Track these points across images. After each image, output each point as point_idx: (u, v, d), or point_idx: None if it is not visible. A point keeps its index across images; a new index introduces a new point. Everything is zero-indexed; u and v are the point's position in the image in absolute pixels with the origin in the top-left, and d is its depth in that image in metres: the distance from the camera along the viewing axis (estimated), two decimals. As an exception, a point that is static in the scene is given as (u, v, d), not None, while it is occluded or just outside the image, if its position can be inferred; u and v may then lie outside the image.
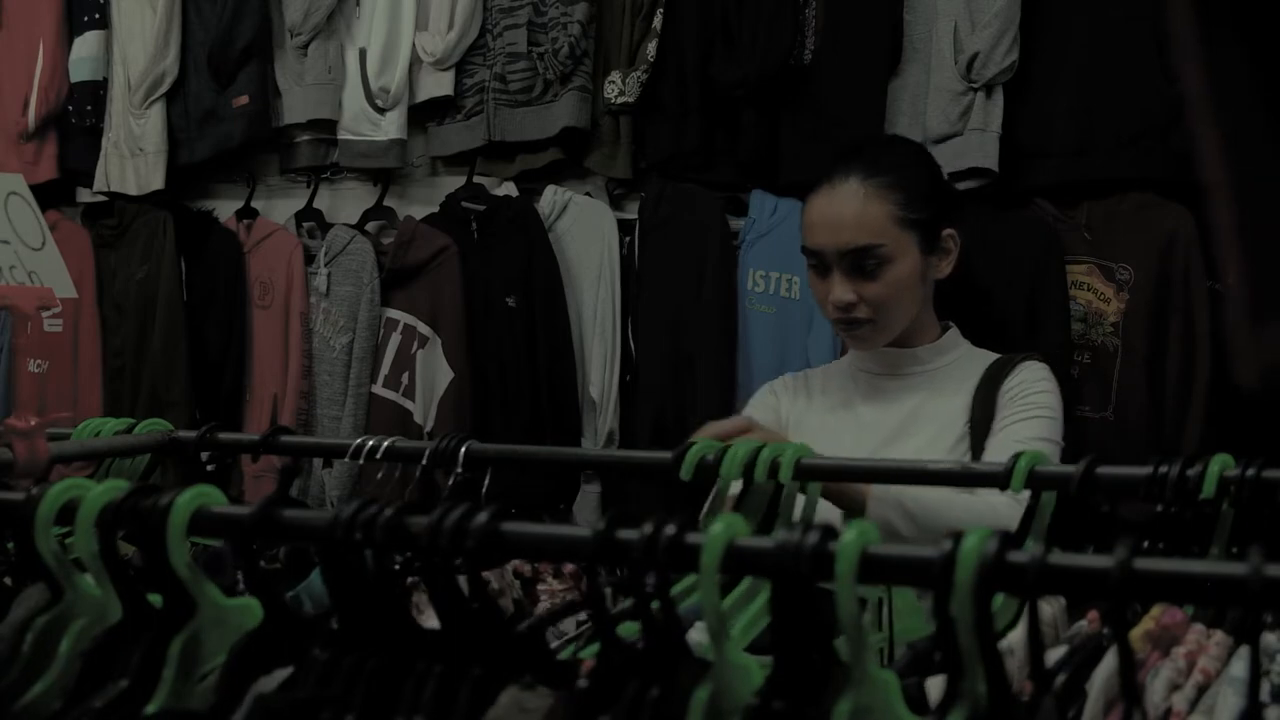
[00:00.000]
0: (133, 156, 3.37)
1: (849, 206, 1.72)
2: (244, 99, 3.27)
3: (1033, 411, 1.68)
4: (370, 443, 1.42)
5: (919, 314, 1.78)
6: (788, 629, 0.67)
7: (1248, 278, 0.50)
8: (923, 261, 1.75)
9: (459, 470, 1.35)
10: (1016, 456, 1.15)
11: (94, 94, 3.43)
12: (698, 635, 0.70)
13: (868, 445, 1.71)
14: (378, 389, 3.18)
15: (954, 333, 1.82)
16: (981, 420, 1.68)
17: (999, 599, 0.79)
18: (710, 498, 1.22)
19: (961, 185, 2.80)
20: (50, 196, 3.34)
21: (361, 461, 1.42)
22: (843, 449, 1.74)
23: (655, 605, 0.69)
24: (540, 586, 1.24)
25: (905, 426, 1.68)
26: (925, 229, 1.74)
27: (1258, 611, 0.71)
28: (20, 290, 1.46)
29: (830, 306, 1.74)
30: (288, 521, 0.76)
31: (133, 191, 3.37)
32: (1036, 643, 0.72)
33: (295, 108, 3.28)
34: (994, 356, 1.77)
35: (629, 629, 0.76)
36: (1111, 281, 2.67)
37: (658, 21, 2.91)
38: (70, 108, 3.46)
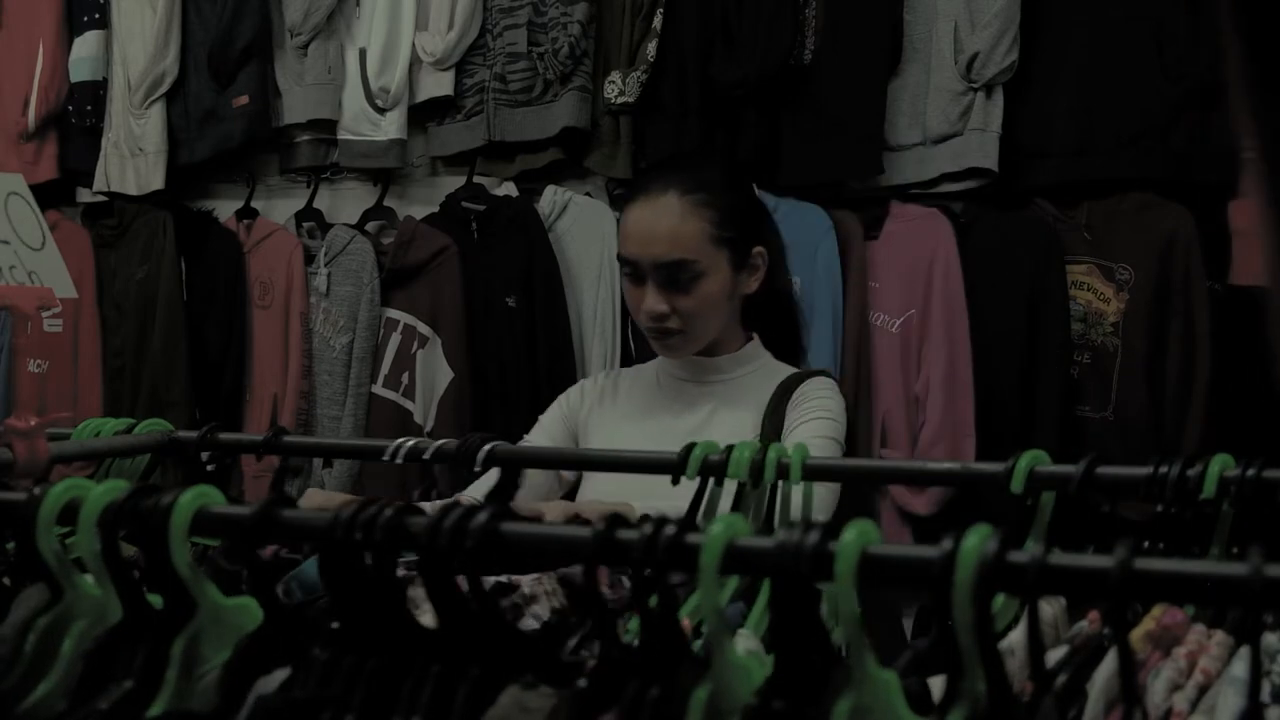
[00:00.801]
0: (133, 156, 3.38)
1: (665, 221, 1.78)
2: (244, 99, 3.27)
3: (815, 413, 1.76)
4: (409, 444, 1.41)
5: (726, 324, 1.86)
6: (788, 629, 0.67)
7: None
8: (733, 277, 1.81)
9: (477, 470, 1.34)
10: (1017, 457, 1.16)
11: (94, 94, 3.44)
12: (743, 643, 0.70)
13: (662, 440, 1.77)
14: (378, 389, 3.18)
15: (755, 344, 1.89)
16: (771, 433, 1.76)
17: (999, 599, 0.79)
18: (704, 500, 1.23)
19: (961, 185, 2.80)
20: (50, 196, 3.34)
21: (400, 461, 1.40)
22: (630, 442, 1.79)
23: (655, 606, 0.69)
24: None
25: (696, 432, 1.73)
26: (736, 246, 1.80)
27: (1258, 611, 0.70)
28: (20, 290, 1.46)
29: (643, 315, 1.81)
30: (288, 521, 0.76)
31: (133, 191, 3.37)
32: (1036, 643, 0.72)
33: (295, 108, 3.28)
34: (790, 371, 1.85)
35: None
36: (1111, 281, 2.67)
37: (658, 21, 2.92)
38: (70, 108, 3.46)
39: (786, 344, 1.92)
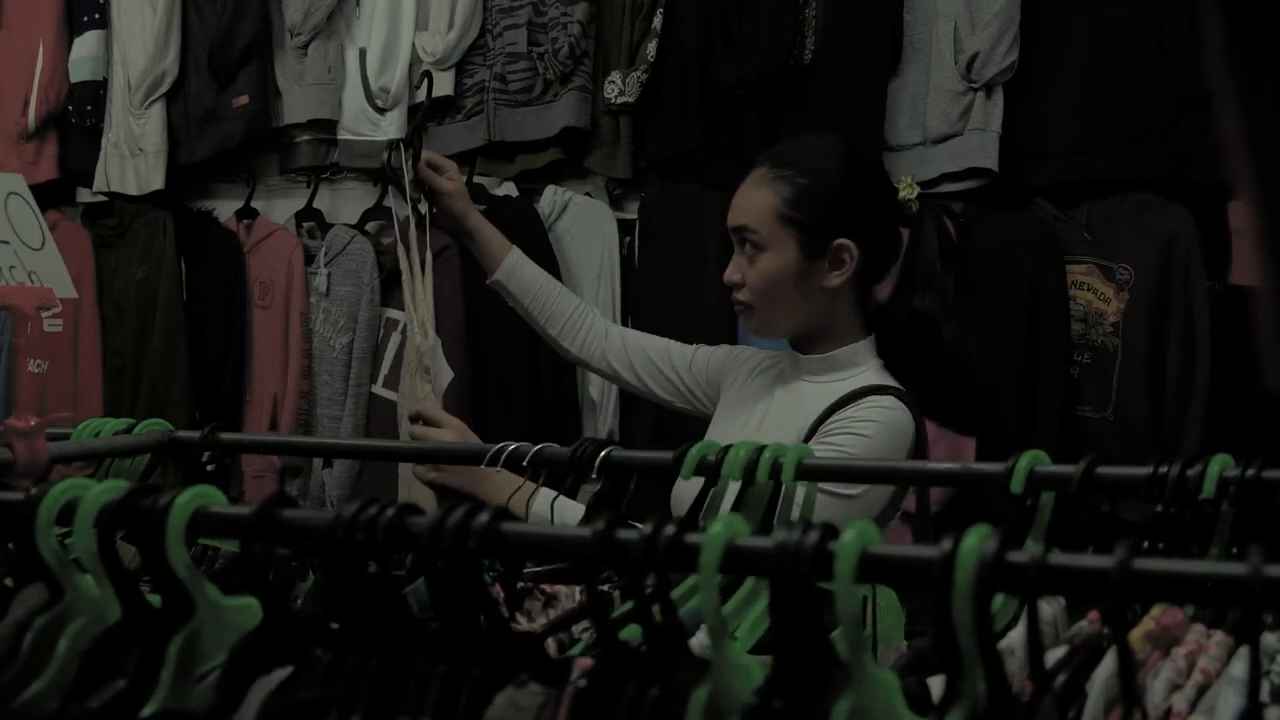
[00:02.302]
0: (133, 156, 3.37)
1: (745, 189, 1.77)
2: (244, 99, 3.27)
3: (847, 427, 1.66)
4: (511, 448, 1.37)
5: (819, 321, 1.76)
6: (787, 629, 0.67)
7: (1276, 280, 0.50)
8: (802, 262, 1.71)
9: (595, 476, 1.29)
10: (1017, 457, 1.15)
11: (94, 94, 3.43)
12: (700, 640, 0.70)
13: (734, 434, 1.74)
14: (378, 389, 3.18)
15: (856, 350, 1.76)
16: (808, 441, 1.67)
17: (999, 599, 0.79)
18: (707, 499, 1.22)
19: (961, 185, 2.80)
20: (50, 196, 3.34)
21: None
22: (719, 434, 1.80)
23: (655, 606, 0.69)
24: None
25: (765, 426, 1.71)
26: (809, 231, 1.71)
27: (1258, 611, 0.71)
28: (20, 290, 1.46)
29: (726, 283, 1.81)
30: (288, 521, 0.76)
31: (133, 191, 3.37)
32: (1036, 643, 0.72)
33: (295, 108, 3.28)
34: (879, 384, 1.74)
35: (633, 632, 0.76)
36: (1111, 281, 2.67)
37: (658, 21, 2.92)
38: (70, 108, 3.46)
39: (910, 375, 1.75)
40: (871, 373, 1.75)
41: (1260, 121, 0.48)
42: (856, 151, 1.82)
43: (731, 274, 1.77)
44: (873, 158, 1.89)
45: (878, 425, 1.66)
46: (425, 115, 2.04)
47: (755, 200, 1.74)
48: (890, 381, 1.74)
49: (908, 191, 1.80)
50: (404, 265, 1.91)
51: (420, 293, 1.90)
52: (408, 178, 1.91)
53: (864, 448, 1.64)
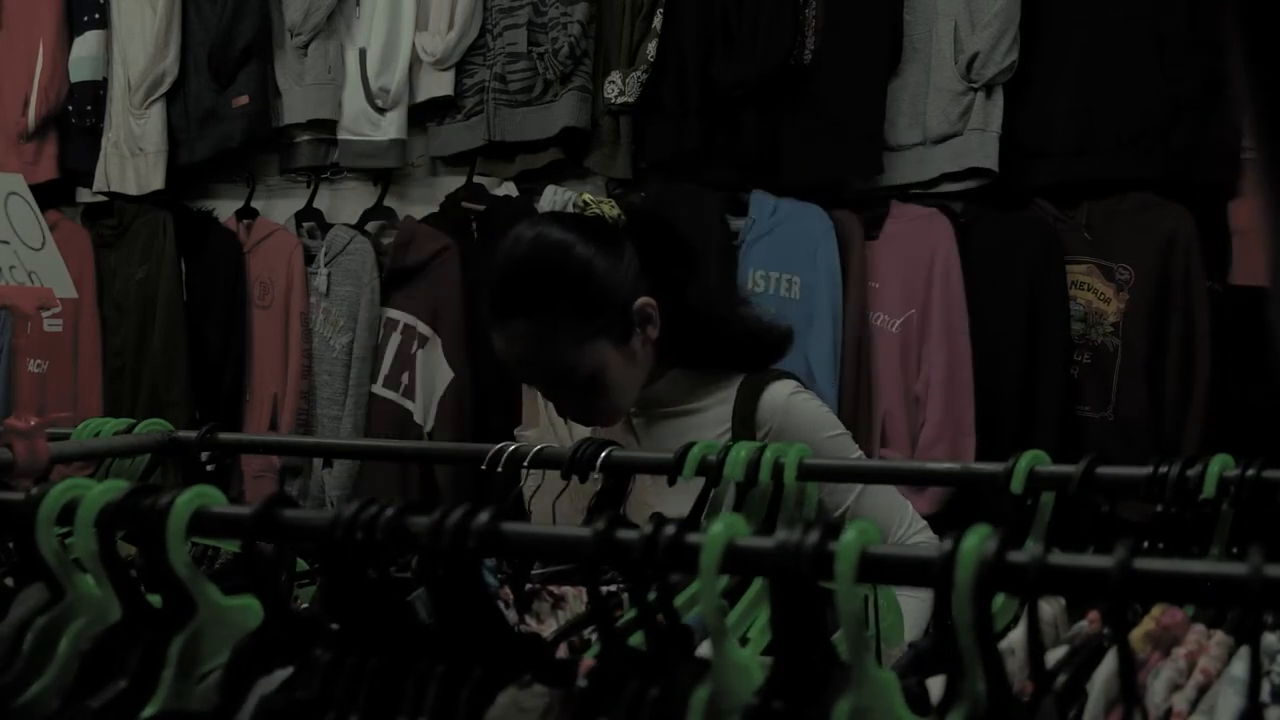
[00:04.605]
0: (133, 156, 3.38)
1: (517, 355, 1.65)
2: (244, 99, 3.27)
3: (812, 434, 1.63)
4: (511, 449, 1.36)
5: (647, 371, 1.72)
6: (788, 629, 0.67)
7: None
8: (623, 349, 1.65)
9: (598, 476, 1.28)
10: (1017, 457, 1.15)
11: (94, 94, 3.44)
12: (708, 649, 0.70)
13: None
14: (378, 389, 3.18)
15: (673, 376, 1.74)
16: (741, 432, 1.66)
17: (999, 599, 0.79)
18: (708, 500, 1.22)
19: (961, 185, 2.80)
20: (50, 196, 3.34)
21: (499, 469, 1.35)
22: None
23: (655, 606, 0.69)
24: None
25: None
26: (606, 325, 1.63)
27: (1258, 611, 0.71)
28: (20, 290, 1.46)
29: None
30: (288, 521, 0.76)
31: (133, 191, 3.37)
32: (1036, 643, 0.72)
33: (295, 108, 3.28)
34: (730, 384, 1.72)
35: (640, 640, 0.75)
36: (1111, 281, 2.67)
37: (658, 21, 2.91)
38: (70, 108, 3.46)
39: (706, 353, 1.75)
40: (711, 375, 1.73)
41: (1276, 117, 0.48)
42: (541, 234, 1.66)
43: (578, 415, 1.69)
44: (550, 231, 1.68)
45: (811, 401, 1.72)
46: None
47: (545, 355, 1.62)
48: (723, 376, 1.72)
49: (609, 209, 1.74)
50: None
51: None
52: None
53: (829, 415, 1.74)
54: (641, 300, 1.67)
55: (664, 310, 1.68)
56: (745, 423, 1.69)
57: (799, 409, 1.71)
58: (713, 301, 1.78)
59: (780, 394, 1.70)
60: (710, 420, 1.71)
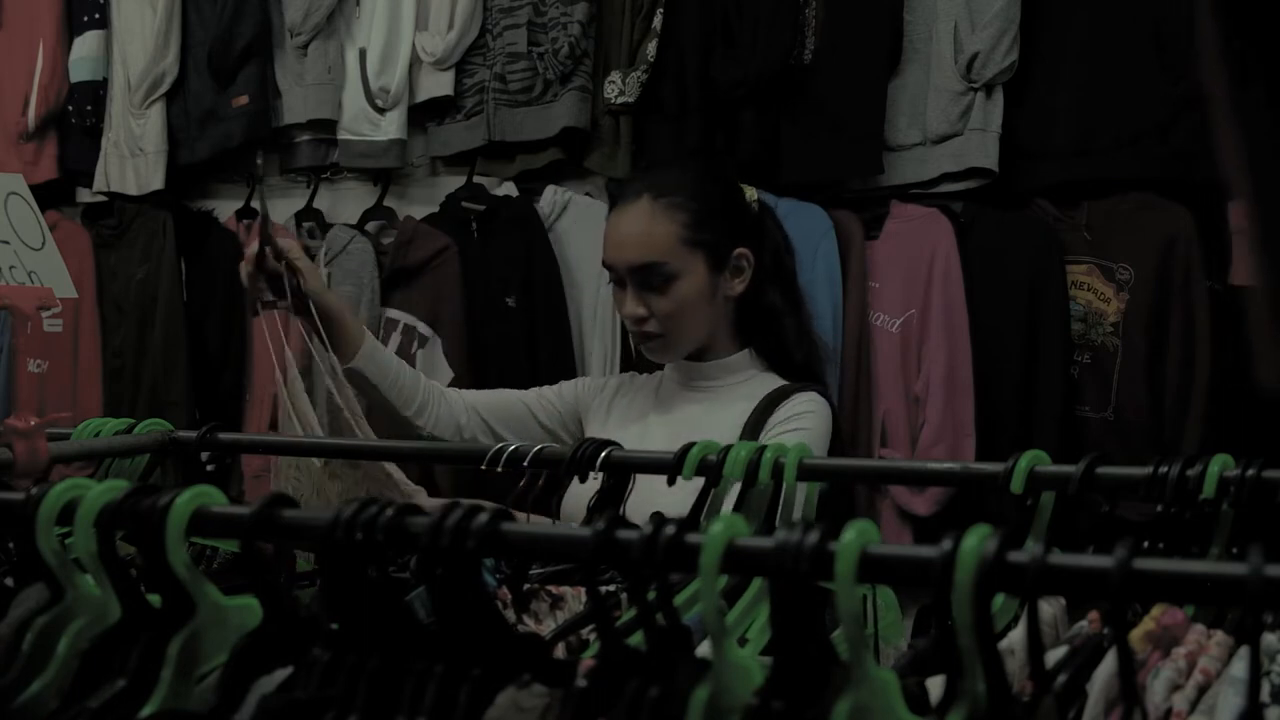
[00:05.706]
0: (133, 156, 3.37)
1: (636, 225, 1.79)
2: (244, 99, 3.27)
3: (792, 424, 1.73)
4: (511, 449, 1.37)
5: (716, 330, 1.84)
6: (787, 629, 0.67)
7: (1270, 279, 0.50)
8: (711, 279, 1.80)
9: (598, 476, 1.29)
10: (1017, 457, 1.15)
11: (94, 94, 3.43)
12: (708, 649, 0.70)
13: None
14: (378, 389, 3.18)
15: (746, 354, 1.86)
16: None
17: (999, 599, 0.79)
18: (708, 499, 1.22)
19: (961, 185, 2.80)
20: (50, 196, 3.34)
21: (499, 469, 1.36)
22: None
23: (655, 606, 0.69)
24: None
25: (679, 437, 1.72)
26: (713, 248, 1.79)
27: (1258, 611, 0.70)
28: (20, 290, 1.46)
29: (625, 318, 1.84)
30: (287, 521, 0.76)
31: (133, 191, 3.37)
32: (1036, 643, 0.72)
33: (295, 108, 3.28)
34: (780, 383, 1.81)
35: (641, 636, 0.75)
36: (1111, 281, 2.67)
37: (658, 21, 2.91)
38: (70, 108, 3.46)
39: (780, 360, 1.87)
40: (762, 368, 1.86)
41: (1255, 124, 0.48)
42: (722, 167, 1.91)
43: (635, 309, 1.80)
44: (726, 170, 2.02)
45: (813, 416, 1.76)
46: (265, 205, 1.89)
47: (655, 233, 1.78)
48: (778, 375, 1.84)
49: (750, 194, 1.89)
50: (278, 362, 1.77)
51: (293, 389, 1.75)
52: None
53: (820, 431, 1.75)
54: (741, 249, 1.82)
55: (766, 296, 1.84)
56: (760, 417, 1.76)
57: (800, 403, 1.77)
58: (804, 308, 1.93)
59: (801, 395, 1.78)
60: (737, 399, 1.80)
